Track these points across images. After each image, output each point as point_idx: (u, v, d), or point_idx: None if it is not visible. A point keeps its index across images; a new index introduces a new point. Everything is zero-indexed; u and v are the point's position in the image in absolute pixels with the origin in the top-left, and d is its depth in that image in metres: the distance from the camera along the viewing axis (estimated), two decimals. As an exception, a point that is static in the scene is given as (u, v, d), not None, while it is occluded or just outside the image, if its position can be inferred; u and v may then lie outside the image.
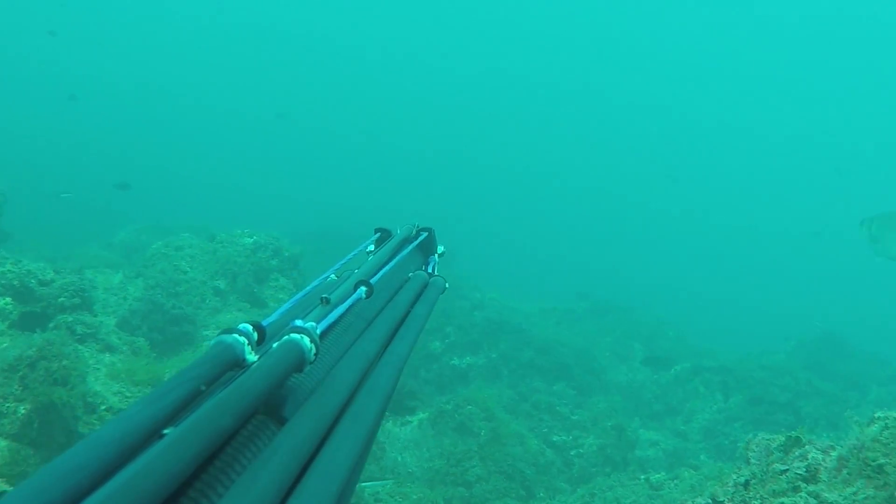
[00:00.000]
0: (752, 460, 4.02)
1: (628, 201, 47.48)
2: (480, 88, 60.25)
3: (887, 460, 3.44)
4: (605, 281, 25.75)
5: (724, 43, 59.39)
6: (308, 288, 2.00)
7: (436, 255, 2.88)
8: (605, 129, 57.06)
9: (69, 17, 48.26)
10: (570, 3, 63.19)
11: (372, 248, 2.46)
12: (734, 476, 3.98)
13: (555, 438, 10.95)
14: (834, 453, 3.76)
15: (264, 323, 1.55)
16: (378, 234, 2.60)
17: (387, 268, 2.28)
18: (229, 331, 1.40)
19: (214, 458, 1.17)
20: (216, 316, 11.17)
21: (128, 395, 7.58)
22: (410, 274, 2.51)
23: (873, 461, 3.49)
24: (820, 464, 3.73)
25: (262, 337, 1.48)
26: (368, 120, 52.34)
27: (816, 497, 3.48)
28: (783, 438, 3.95)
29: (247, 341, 1.39)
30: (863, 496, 3.40)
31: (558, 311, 17.74)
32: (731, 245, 42.53)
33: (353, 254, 2.33)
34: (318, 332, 1.58)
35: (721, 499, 3.89)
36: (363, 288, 1.95)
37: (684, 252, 35.02)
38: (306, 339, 1.47)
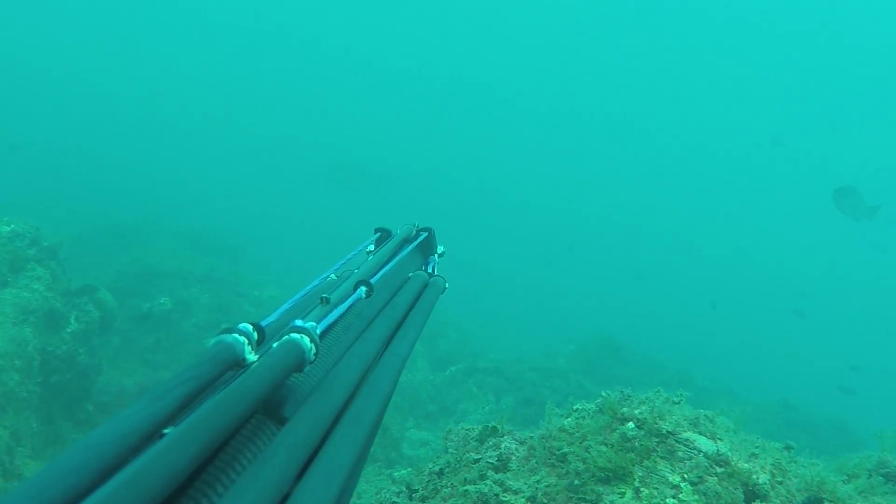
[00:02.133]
0: (450, 449, 4.19)
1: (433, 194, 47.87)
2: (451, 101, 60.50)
3: (571, 449, 3.67)
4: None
5: (720, 68, 60.58)
6: (308, 287, 2.01)
7: (436, 256, 2.89)
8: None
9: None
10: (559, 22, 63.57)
11: (372, 247, 2.48)
12: (430, 465, 4.13)
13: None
14: (528, 444, 3.97)
15: (264, 323, 1.56)
16: (378, 234, 2.61)
17: (387, 268, 2.31)
18: (229, 330, 1.41)
19: (214, 458, 1.19)
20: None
21: None
22: (410, 274, 2.51)
23: (558, 450, 3.72)
24: (512, 453, 3.94)
25: (262, 336, 1.49)
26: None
27: (501, 485, 3.68)
28: (480, 429, 4.14)
29: (247, 341, 1.40)
30: (545, 484, 3.62)
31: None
32: (519, 244, 43.39)
33: (352, 253, 2.34)
34: (318, 331, 1.58)
35: (416, 486, 4.03)
36: (363, 288, 1.96)
37: (469, 250, 35.60)
38: (306, 339, 1.48)
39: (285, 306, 1.80)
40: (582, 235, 42.94)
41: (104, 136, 41.08)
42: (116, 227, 19.86)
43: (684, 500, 3.40)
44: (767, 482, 3.64)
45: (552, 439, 3.85)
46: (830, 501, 3.72)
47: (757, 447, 3.97)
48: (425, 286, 2.47)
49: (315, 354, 1.50)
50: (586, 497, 3.48)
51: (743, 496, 3.53)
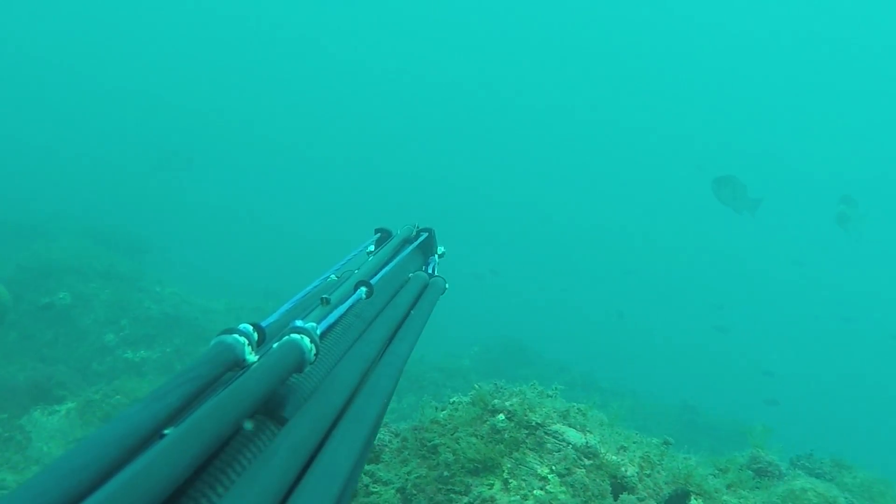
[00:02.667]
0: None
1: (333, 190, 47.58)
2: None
3: (442, 441, 3.68)
4: (297, 279, 25.73)
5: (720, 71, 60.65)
6: (308, 288, 2.00)
7: (436, 256, 2.88)
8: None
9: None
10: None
11: (372, 248, 2.47)
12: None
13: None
14: (401, 435, 3.97)
15: (264, 323, 1.56)
16: (378, 235, 2.60)
17: (387, 268, 2.29)
18: (229, 331, 1.40)
19: (215, 458, 1.18)
20: None
21: None
22: (411, 274, 2.50)
23: (429, 441, 3.72)
24: (385, 445, 3.94)
25: (262, 337, 1.49)
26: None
27: (371, 476, 3.66)
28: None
29: (247, 341, 1.40)
30: (415, 475, 3.63)
31: (246, 309, 17.59)
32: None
33: (353, 254, 2.32)
34: (319, 332, 1.58)
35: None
36: (363, 288, 1.96)
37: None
38: (306, 340, 1.48)
39: (286, 307, 1.80)
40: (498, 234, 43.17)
41: (26, 125, 39.87)
42: (20, 222, 19.39)
43: (551, 492, 3.43)
44: (635, 475, 3.71)
45: (424, 431, 3.85)
46: (697, 494, 3.81)
47: (633, 441, 4.05)
48: (425, 287, 2.47)
49: (315, 355, 1.50)
50: (455, 488, 3.48)
51: (610, 488, 3.58)
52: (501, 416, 3.75)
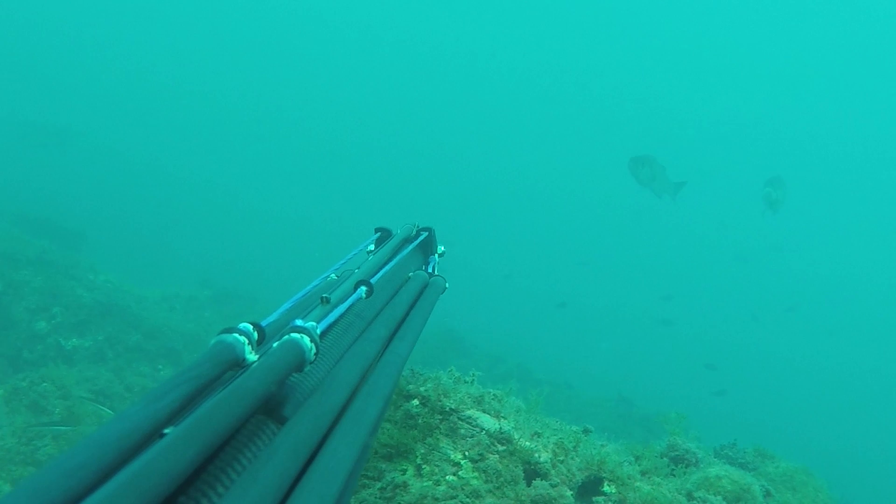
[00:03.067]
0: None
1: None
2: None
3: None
4: (232, 268, 25.47)
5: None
6: (308, 287, 2.00)
7: (436, 255, 2.90)
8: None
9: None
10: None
11: (372, 247, 2.47)
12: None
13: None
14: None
15: (264, 322, 1.55)
16: (378, 234, 2.61)
17: (387, 267, 2.30)
18: (229, 330, 1.40)
19: (214, 458, 1.18)
20: None
21: None
22: (411, 274, 2.50)
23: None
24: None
25: (262, 336, 1.48)
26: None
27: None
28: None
29: (247, 341, 1.40)
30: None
31: (181, 298, 17.41)
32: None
33: (353, 253, 2.32)
34: (319, 331, 1.58)
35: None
36: (363, 288, 1.95)
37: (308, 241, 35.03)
38: (306, 339, 1.48)
39: (286, 306, 1.80)
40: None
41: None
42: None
43: (464, 478, 3.45)
44: (549, 461, 3.75)
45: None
46: (610, 480, 3.87)
47: (550, 428, 4.08)
48: (425, 286, 2.48)
49: (315, 354, 1.50)
50: (368, 474, 3.48)
51: (523, 474, 3.61)
52: (415, 402, 3.76)
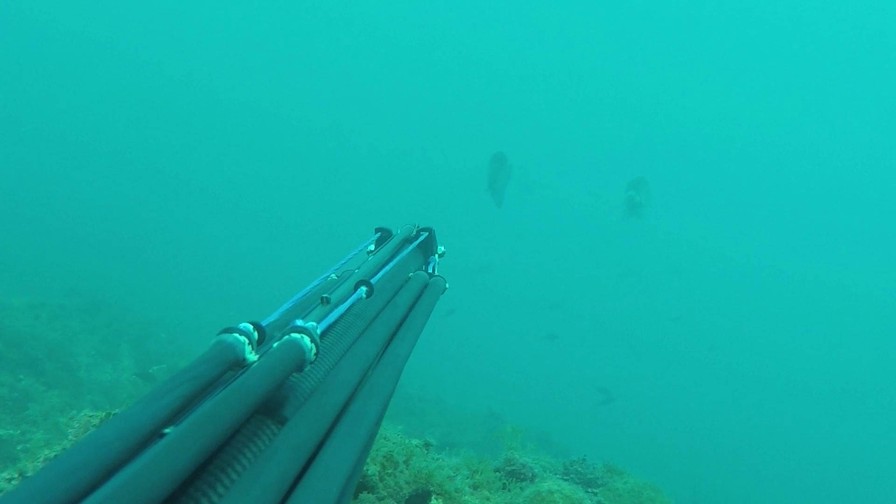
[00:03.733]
0: (70, 435, 4.15)
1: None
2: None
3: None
4: (103, 276, 24.71)
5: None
6: (308, 287, 1.98)
7: (436, 256, 2.87)
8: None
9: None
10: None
11: (372, 247, 2.46)
12: (45, 451, 4.07)
13: (1, 432, 10.49)
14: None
15: (264, 322, 1.55)
16: (378, 234, 2.59)
17: (387, 268, 2.29)
18: (229, 330, 1.39)
19: (215, 458, 1.17)
20: None
21: None
22: (411, 274, 2.49)
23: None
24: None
25: (263, 336, 1.47)
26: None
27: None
28: (103, 414, 4.12)
29: (247, 341, 1.39)
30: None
31: (48, 306, 16.93)
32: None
33: (353, 253, 2.31)
34: (319, 331, 1.57)
35: (29, 472, 3.95)
36: (363, 288, 1.94)
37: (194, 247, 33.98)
38: (307, 339, 1.47)
39: (286, 306, 1.80)
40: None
41: None
42: None
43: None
44: (376, 474, 3.81)
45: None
46: (438, 494, 3.96)
47: (383, 440, 4.13)
48: (426, 286, 2.48)
49: (315, 354, 1.50)
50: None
51: (349, 487, 3.67)
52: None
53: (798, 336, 40.41)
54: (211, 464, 1.17)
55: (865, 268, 48.90)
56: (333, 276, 2.16)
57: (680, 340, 35.21)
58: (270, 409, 1.38)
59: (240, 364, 1.38)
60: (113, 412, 3.94)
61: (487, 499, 4.18)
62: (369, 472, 3.72)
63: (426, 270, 2.73)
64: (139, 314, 18.31)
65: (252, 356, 1.40)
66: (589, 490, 5.68)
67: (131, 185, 42.78)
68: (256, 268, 33.53)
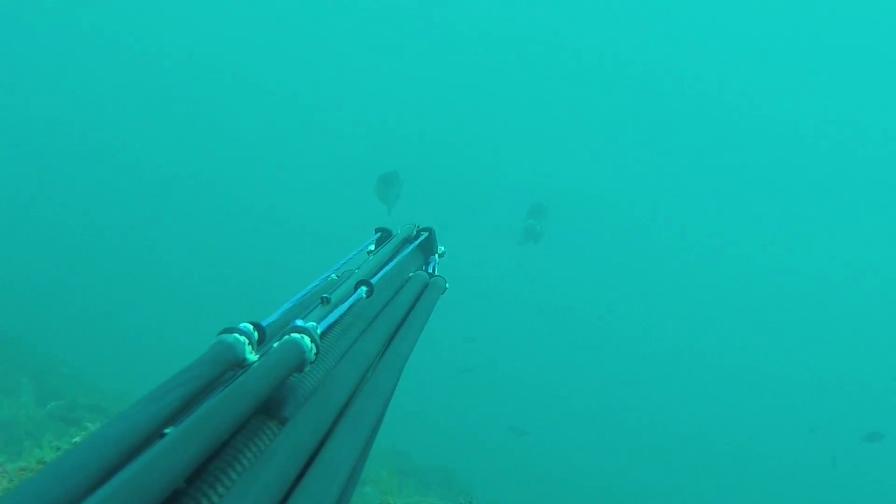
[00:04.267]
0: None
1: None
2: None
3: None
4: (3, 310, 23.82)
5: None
6: (308, 287, 1.96)
7: (436, 256, 2.84)
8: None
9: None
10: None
11: (372, 247, 2.42)
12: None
13: None
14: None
15: (264, 322, 1.53)
16: (378, 234, 2.56)
17: (387, 267, 2.27)
18: (229, 330, 1.39)
19: (215, 458, 1.17)
20: None
21: None
22: (411, 274, 2.47)
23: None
24: None
25: (263, 336, 1.47)
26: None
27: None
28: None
29: (247, 340, 1.39)
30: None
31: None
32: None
33: (353, 253, 2.28)
34: (319, 331, 1.56)
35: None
36: (364, 288, 1.92)
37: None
38: (307, 339, 1.46)
39: (286, 306, 1.79)
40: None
41: None
42: None
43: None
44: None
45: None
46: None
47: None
48: (426, 286, 2.47)
49: (316, 354, 1.50)
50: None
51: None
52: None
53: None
54: (211, 464, 1.17)
55: (861, 267, 47.53)
56: (334, 276, 2.14)
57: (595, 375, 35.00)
58: (271, 409, 1.39)
59: (240, 364, 1.39)
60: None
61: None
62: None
63: (426, 270, 2.74)
64: (39, 349, 17.96)
65: (252, 356, 1.41)
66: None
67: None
68: (256, 267, 32.64)
